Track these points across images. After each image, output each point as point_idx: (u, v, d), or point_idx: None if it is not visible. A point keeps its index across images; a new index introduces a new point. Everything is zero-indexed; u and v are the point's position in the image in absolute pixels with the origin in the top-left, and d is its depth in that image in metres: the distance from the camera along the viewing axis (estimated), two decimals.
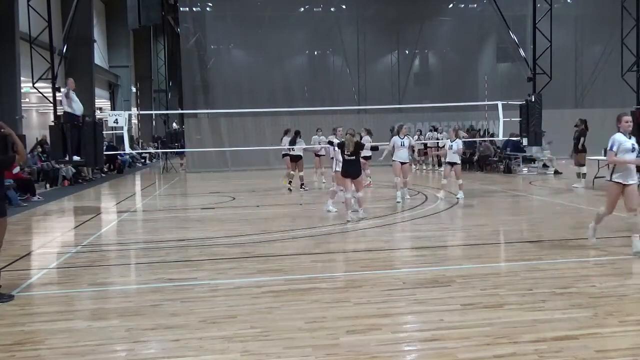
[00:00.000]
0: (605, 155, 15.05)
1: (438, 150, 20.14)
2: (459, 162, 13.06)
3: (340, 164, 10.37)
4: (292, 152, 15.70)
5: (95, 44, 27.19)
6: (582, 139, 14.79)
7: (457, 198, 12.71)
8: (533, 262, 6.79)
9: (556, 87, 20.25)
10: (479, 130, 24.41)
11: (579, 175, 14.96)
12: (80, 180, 19.79)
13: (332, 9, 28.27)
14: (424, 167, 22.71)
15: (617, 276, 6.07)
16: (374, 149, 12.36)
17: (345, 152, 10.00)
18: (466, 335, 4.43)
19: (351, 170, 10.03)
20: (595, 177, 15.12)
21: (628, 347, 4.16)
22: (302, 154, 15.81)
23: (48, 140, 16.33)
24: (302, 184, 15.71)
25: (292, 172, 15.84)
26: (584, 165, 14.71)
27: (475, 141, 21.90)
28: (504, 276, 6.24)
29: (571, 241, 8.13)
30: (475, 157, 21.32)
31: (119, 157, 25.37)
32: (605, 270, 6.33)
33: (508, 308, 5.09)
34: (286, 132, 16.25)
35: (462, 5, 29.80)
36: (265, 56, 27.37)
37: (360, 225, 9.95)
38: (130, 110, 32.17)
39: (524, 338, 4.34)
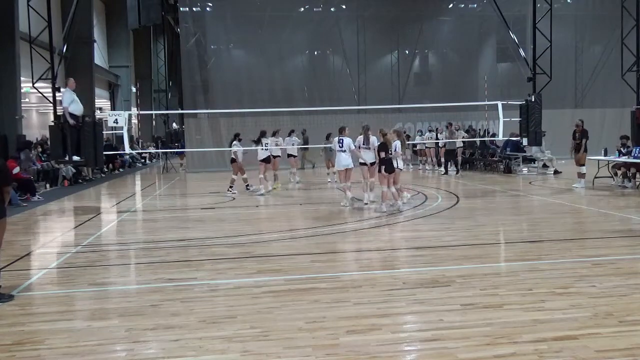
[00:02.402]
0: (605, 155, 15.21)
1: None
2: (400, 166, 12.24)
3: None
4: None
5: (95, 44, 27.20)
6: (584, 140, 14.72)
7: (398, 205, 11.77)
8: (533, 262, 6.79)
9: (556, 87, 20.27)
10: (479, 130, 24.41)
11: (579, 175, 14.93)
12: (80, 180, 19.80)
13: (332, 9, 28.28)
14: (427, 168, 22.70)
15: (617, 276, 6.06)
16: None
17: (390, 152, 11.04)
18: (466, 335, 4.43)
19: (390, 167, 11.12)
20: (595, 177, 15.13)
21: (628, 347, 4.15)
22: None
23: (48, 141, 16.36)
24: (247, 185, 15.58)
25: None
26: (583, 165, 14.71)
27: (475, 141, 21.92)
28: (504, 276, 6.24)
29: (571, 241, 8.14)
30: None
31: (118, 157, 25.38)
32: (605, 270, 6.32)
33: (508, 308, 5.09)
34: (281, 132, 16.76)
35: (462, 5, 29.82)
36: (265, 56, 27.36)
37: (360, 225, 9.96)
38: (130, 110, 32.20)
39: (524, 338, 4.34)
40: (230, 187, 15.29)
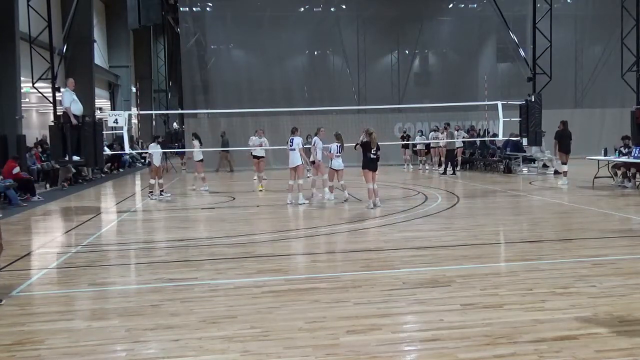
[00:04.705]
0: (605, 155, 15.23)
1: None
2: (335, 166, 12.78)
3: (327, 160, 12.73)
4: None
5: (95, 44, 27.16)
6: (554, 140, 15.30)
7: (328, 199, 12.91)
8: (533, 262, 6.79)
9: (556, 87, 20.27)
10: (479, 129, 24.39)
11: (564, 173, 15.25)
12: (80, 180, 19.79)
13: (332, 9, 28.28)
14: (427, 168, 22.67)
15: (617, 276, 6.07)
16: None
17: (372, 151, 11.51)
18: (466, 335, 4.43)
19: (373, 165, 11.65)
20: (595, 177, 15.14)
21: (628, 347, 4.15)
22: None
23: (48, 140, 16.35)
24: (162, 191, 14.84)
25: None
26: (564, 163, 15.14)
27: (475, 141, 21.91)
28: (504, 276, 6.24)
29: (571, 241, 8.13)
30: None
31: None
32: (605, 270, 6.32)
33: (508, 308, 5.09)
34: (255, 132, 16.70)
35: (462, 5, 29.81)
36: (265, 56, 27.35)
37: (360, 225, 9.96)
38: (130, 110, 32.19)
39: (524, 338, 4.34)
40: (151, 192, 14.61)
